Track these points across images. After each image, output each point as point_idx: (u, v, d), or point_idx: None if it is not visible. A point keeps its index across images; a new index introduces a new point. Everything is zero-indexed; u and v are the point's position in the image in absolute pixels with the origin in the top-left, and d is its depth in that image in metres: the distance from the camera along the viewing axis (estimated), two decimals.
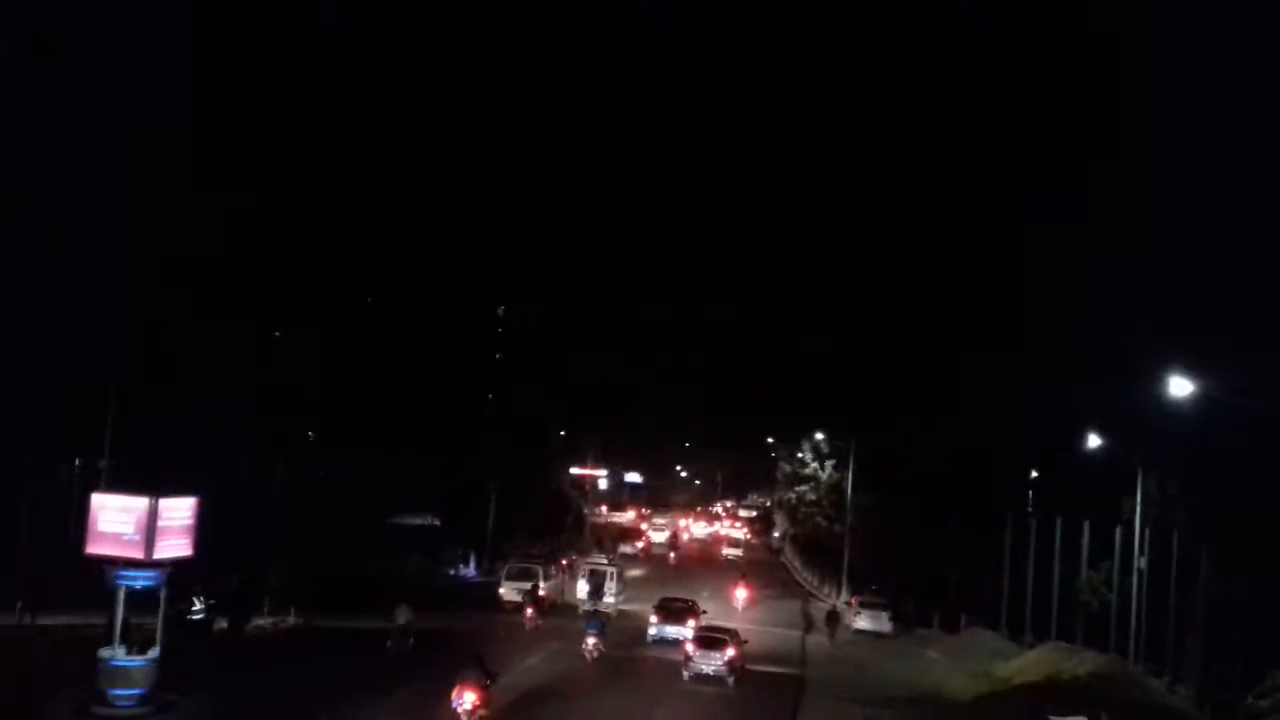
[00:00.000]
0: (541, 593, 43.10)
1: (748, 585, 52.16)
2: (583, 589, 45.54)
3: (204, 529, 24.50)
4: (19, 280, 35.33)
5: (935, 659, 41.06)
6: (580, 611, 42.23)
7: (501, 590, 45.12)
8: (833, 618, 42.42)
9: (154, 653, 22.84)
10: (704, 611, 40.00)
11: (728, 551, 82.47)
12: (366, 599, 38.61)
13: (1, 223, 34.65)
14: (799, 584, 68.04)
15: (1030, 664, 36.63)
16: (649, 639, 38.51)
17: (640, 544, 78.72)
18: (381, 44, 50.67)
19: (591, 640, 34.40)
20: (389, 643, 32.26)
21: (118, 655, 22.43)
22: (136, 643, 22.76)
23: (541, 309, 77.82)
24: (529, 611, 40.14)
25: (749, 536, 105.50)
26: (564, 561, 53.75)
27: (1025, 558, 41.00)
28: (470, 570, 57.83)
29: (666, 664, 34.19)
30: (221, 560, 33.20)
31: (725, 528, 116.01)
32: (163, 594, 23.54)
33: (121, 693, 22.27)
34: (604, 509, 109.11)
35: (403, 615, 33.02)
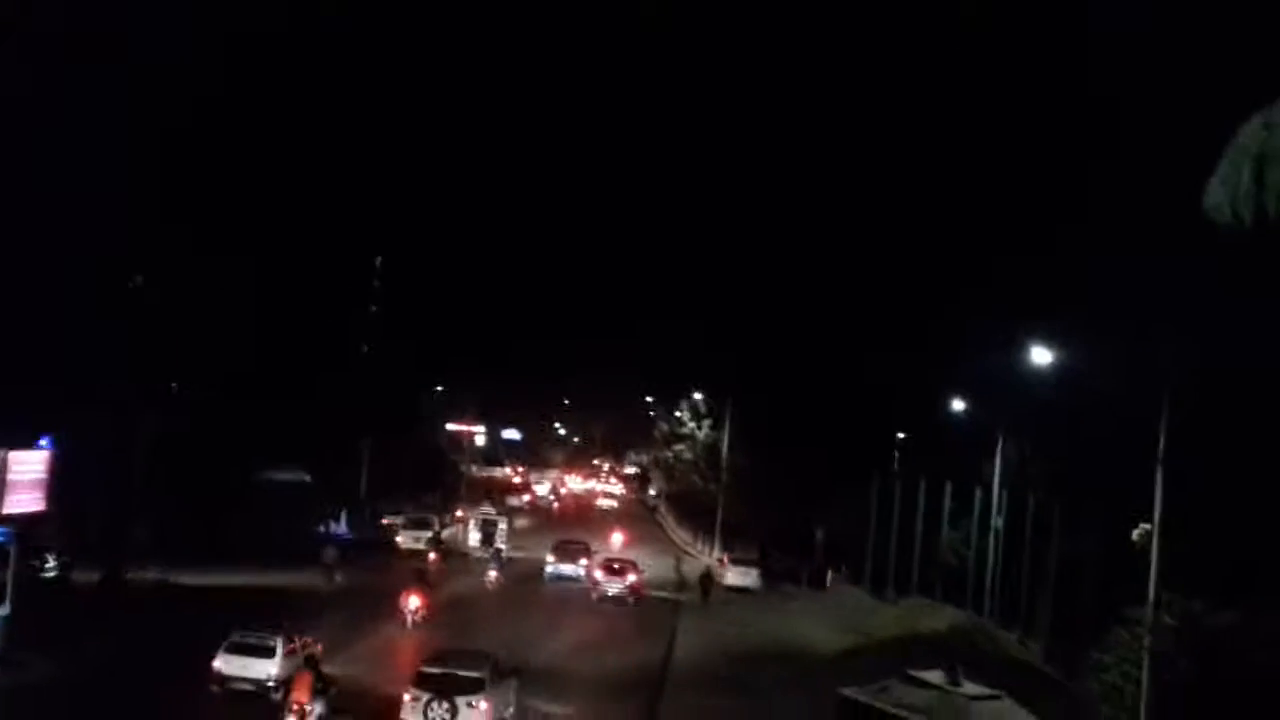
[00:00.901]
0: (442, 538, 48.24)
1: (623, 530, 58.60)
2: (474, 537, 49.82)
3: (59, 481, 23.60)
4: None
5: (802, 615, 42.12)
6: (473, 558, 46.23)
7: (399, 539, 49.35)
8: (707, 578, 42.47)
9: (3, 610, 21.96)
10: (595, 552, 44.77)
11: (603, 503, 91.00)
12: (231, 556, 38.93)
13: None
14: (673, 541, 68.99)
15: (892, 619, 37.91)
16: (546, 577, 43.40)
17: (526, 497, 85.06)
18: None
19: (493, 573, 40.52)
20: (321, 579, 37.32)
21: None
22: None
23: (419, 261, 76.47)
24: (431, 555, 43.57)
25: (625, 492, 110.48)
26: (457, 513, 58.59)
27: (889, 517, 42.35)
28: (342, 528, 56.80)
29: (566, 592, 40.94)
30: (79, 514, 32.07)
31: (602, 484, 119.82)
32: (12, 550, 22.61)
33: None
34: (476, 466, 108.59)
35: (329, 555, 39.42)
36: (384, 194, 67.62)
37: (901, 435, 49.49)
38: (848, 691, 17.55)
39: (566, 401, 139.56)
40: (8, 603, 22.13)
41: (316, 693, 19.96)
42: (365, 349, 72.11)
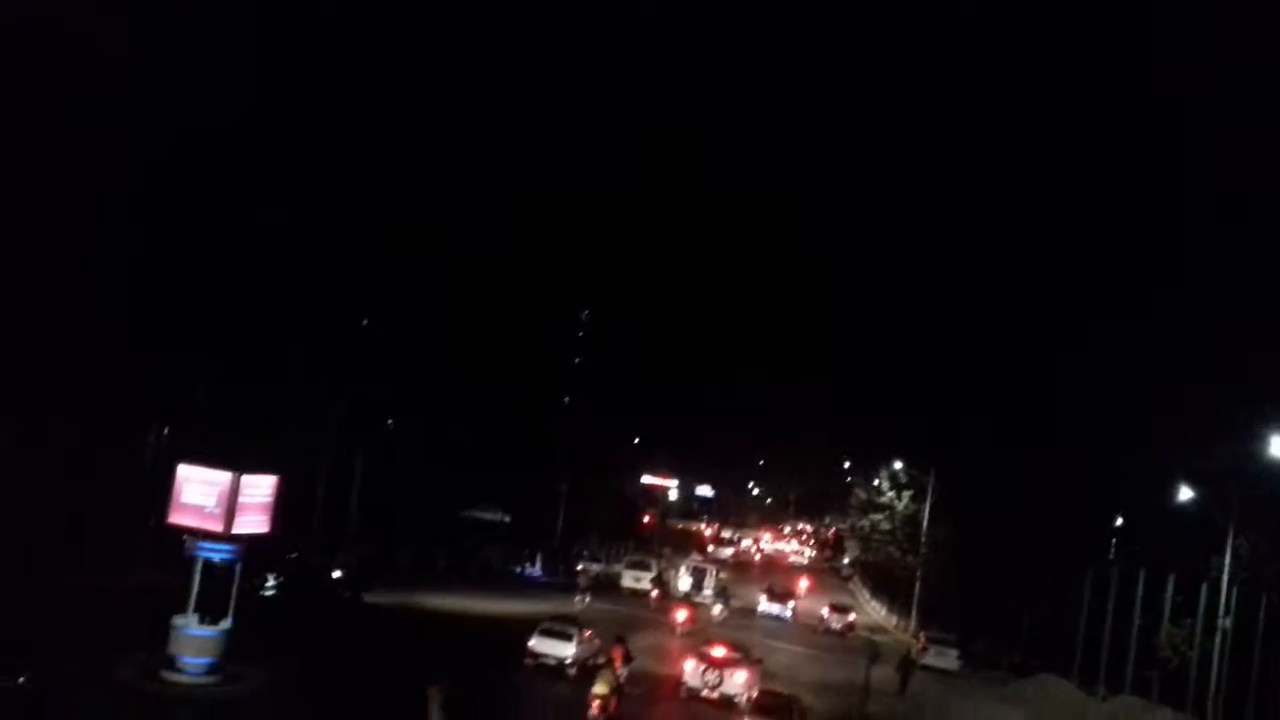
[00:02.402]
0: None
1: (810, 577, 74.09)
2: (686, 582, 56.56)
3: (280, 506, 24.78)
4: (110, 247, 36.19)
5: (1002, 702, 40.01)
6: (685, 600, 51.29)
7: (623, 579, 55.46)
8: (906, 664, 38.60)
9: (226, 624, 23.17)
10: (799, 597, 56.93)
11: (794, 559, 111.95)
12: (431, 587, 40.95)
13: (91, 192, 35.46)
14: (866, 613, 67.00)
15: (1103, 717, 35.53)
16: (759, 614, 53.10)
17: (730, 550, 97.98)
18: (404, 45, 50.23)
19: (719, 608, 48.62)
20: (578, 597, 44.43)
21: (191, 624, 22.80)
22: (210, 613, 23.08)
23: (625, 316, 77.83)
24: (654, 592, 50.35)
25: (815, 555, 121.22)
26: (665, 560, 63.94)
27: (1104, 607, 39.76)
28: (536, 570, 57.90)
29: (775, 627, 49.49)
30: (295, 538, 33.84)
31: (793, 546, 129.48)
32: (238, 568, 23.89)
33: (192, 660, 22.64)
34: (672, 520, 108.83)
35: (585, 580, 48.55)
36: (596, 251, 69.44)
37: (1120, 521, 46.65)
38: None
39: (762, 462, 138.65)
40: (230, 617, 23.35)
41: (626, 660, 26.33)
42: (567, 399, 73.80)
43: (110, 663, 22.39)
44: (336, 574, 35.96)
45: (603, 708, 23.75)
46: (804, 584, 70.05)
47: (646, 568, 55.71)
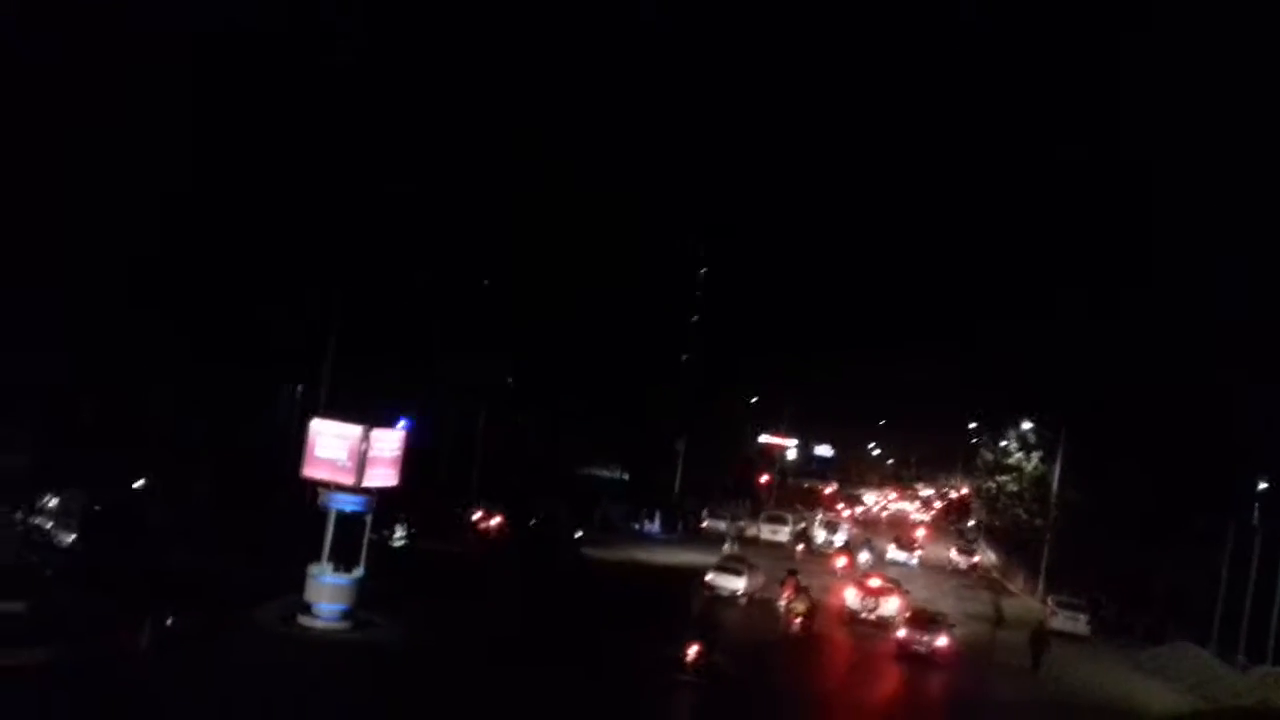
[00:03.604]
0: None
1: (927, 528, 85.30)
2: (821, 534, 62.16)
3: (408, 462, 25.35)
4: (246, 212, 37.30)
5: (1133, 668, 38.87)
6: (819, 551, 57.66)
7: (762, 532, 59.30)
8: (1039, 638, 35.27)
9: (358, 573, 23.91)
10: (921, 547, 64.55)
11: (915, 516, 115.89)
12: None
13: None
14: (992, 577, 65.69)
15: (1240, 687, 34.19)
16: (888, 560, 57.42)
17: (860, 508, 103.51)
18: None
19: (864, 555, 53.35)
20: (726, 545, 48.45)
21: (326, 572, 23.60)
22: (343, 562, 23.82)
23: (743, 276, 77.14)
24: (800, 546, 55.05)
25: (938, 515, 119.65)
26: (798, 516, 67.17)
27: (1245, 572, 38.12)
28: (655, 526, 58.30)
29: (904, 571, 53.37)
30: (422, 491, 34.70)
31: (914, 505, 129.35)
32: (368, 520, 24.58)
33: (326, 607, 23.48)
34: (794, 479, 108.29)
35: (733, 530, 55.02)
36: (714, 208, 68.90)
37: (1264, 485, 44.53)
38: None
39: (883, 422, 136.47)
40: (362, 566, 24.07)
41: (799, 589, 32.28)
42: (685, 357, 73.75)
43: (252, 608, 23.37)
44: (579, 534, 41.44)
45: (805, 625, 31.61)
46: (921, 532, 79.04)
47: (784, 522, 60.90)
